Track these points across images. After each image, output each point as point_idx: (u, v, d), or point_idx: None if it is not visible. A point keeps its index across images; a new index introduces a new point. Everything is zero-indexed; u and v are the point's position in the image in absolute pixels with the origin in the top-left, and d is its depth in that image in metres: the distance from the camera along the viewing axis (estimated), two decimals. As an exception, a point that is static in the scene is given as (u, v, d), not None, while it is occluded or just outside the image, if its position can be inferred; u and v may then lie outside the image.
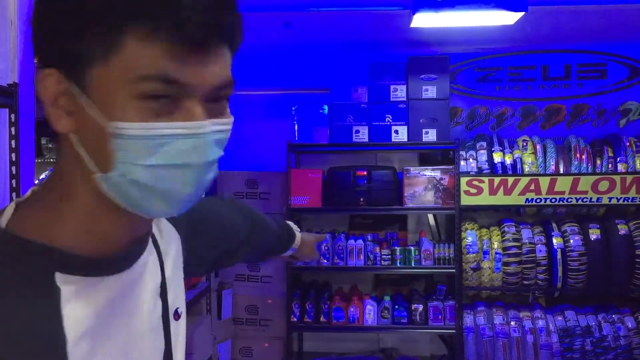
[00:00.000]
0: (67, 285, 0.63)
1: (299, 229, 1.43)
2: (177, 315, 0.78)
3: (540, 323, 4.10)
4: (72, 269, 0.64)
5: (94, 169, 0.62)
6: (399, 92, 4.18)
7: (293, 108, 4.24)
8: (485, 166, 4.14)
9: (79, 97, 0.60)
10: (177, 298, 0.80)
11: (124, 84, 0.58)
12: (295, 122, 4.23)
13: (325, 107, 4.20)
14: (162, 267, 0.78)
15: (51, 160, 4.45)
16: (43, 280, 0.62)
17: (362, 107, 4.19)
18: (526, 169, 4.11)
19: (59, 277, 0.63)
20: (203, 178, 0.63)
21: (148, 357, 0.73)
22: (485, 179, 4.05)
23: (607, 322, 4.09)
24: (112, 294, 0.67)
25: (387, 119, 4.16)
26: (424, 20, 3.12)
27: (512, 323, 4.12)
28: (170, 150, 0.60)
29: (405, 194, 4.12)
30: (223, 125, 0.64)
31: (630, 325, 4.04)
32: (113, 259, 0.68)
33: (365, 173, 4.11)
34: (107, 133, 0.59)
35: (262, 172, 4.41)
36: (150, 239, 0.77)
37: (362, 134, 4.18)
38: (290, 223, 1.43)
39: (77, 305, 0.63)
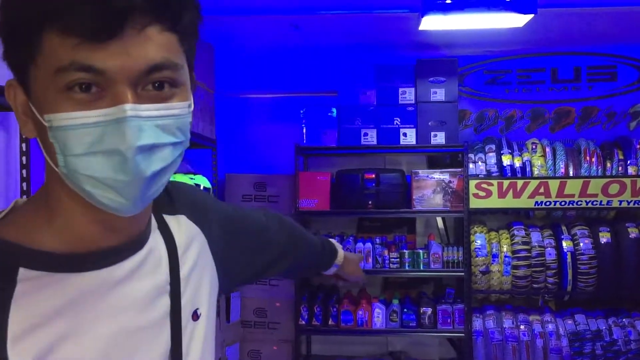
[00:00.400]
0: (27, 281, 0.64)
1: (342, 247, 1.40)
2: (195, 316, 0.79)
3: (550, 327, 4.08)
4: (38, 265, 0.65)
5: (53, 165, 0.65)
6: (407, 95, 4.18)
7: (301, 111, 4.25)
8: (494, 169, 4.12)
9: (29, 103, 0.64)
10: (197, 299, 0.80)
11: (50, 79, 0.60)
12: (303, 125, 4.24)
13: (334, 110, 4.20)
14: (174, 266, 0.78)
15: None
16: (6, 275, 0.64)
17: (370, 110, 4.19)
18: (535, 171, 4.09)
19: (22, 273, 0.64)
20: (141, 164, 0.61)
21: (141, 356, 0.72)
22: (494, 182, 4.04)
23: (617, 326, 4.06)
24: (84, 291, 0.67)
25: (395, 121, 4.16)
26: (432, 22, 3.11)
27: (522, 327, 4.10)
28: (95, 137, 0.60)
29: (414, 197, 4.11)
30: (160, 109, 0.63)
31: (641, 330, 4.01)
32: (86, 256, 0.68)
33: (373, 176, 4.10)
34: (45, 128, 0.62)
35: (271, 175, 4.42)
36: (159, 239, 0.77)
37: (370, 137, 4.18)
38: (333, 240, 1.41)
39: (33, 300, 0.64)
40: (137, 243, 0.74)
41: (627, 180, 3.96)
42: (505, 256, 4.08)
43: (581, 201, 3.99)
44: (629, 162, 4.06)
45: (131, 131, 0.60)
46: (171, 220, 0.81)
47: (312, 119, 4.22)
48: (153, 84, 0.63)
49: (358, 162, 4.44)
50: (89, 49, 0.59)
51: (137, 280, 0.73)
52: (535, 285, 4.11)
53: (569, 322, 4.12)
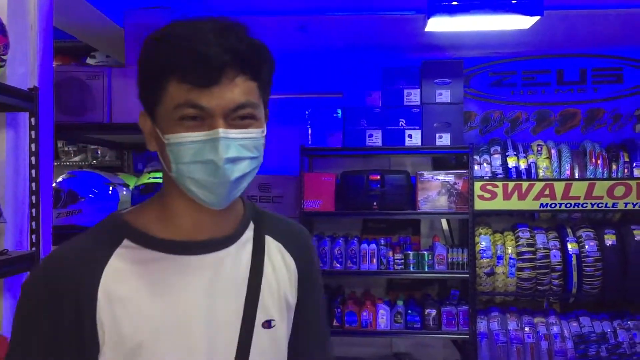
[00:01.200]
0: (127, 248, 0.92)
1: None
2: (267, 324, 0.97)
3: (555, 329, 4.07)
4: (140, 240, 0.93)
5: (168, 171, 0.91)
6: (412, 97, 4.18)
7: (307, 112, 4.26)
8: (500, 171, 4.12)
9: (154, 127, 0.92)
10: (273, 310, 0.98)
11: (170, 111, 0.88)
12: (308, 126, 4.24)
13: (339, 111, 4.21)
14: (258, 274, 0.98)
15: (67, 163, 4.50)
16: (114, 239, 0.92)
17: (375, 112, 4.19)
18: (541, 173, 4.08)
19: (125, 242, 0.92)
20: (228, 171, 0.87)
21: (199, 338, 0.91)
22: (499, 184, 4.04)
23: (622, 329, 4.05)
24: (166, 269, 0.92)
25: (400, 123, 4.16)
26: (438, 24, 3.12)
27: (527, 329, 4.10)
28: (197, 151, 0.87)
29: (419, 199, 4.12)
30: (242, 133, 0.88)
31: (646, 332, 4.00)
32: (181, 243, 0.93)
33: (378, 177, 4.11)
34: (164, 144, 0.89)
35: (276, 176, 4.43)
36: (248, 247, 1.00)
37: (375, 138, 4.18)
38: None
39: (129, 262, 0.91)
40: (223, 244, 0.96)
41: (633, 183, 3.96)
42: (510, 258, 4.07)
43: (586, 203, 3.98)
44: (634, 164, 4.05)
45: (222, 147, 0.86)
46: (271, 243, 1.04)
47: (318, 120, 4.22)
48: (239, 117, 0.88)
49: (363, 163, 4.45)
50: (197, 93, 0.86)
51: (214, 272, 0.94)
52: (540, 287, 4.11)
53: (574, 324, 4.11)
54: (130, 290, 0.89)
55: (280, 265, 1.03)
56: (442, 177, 4.11)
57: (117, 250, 0.91)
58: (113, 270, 0.90)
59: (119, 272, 0.90)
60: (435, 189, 4.10)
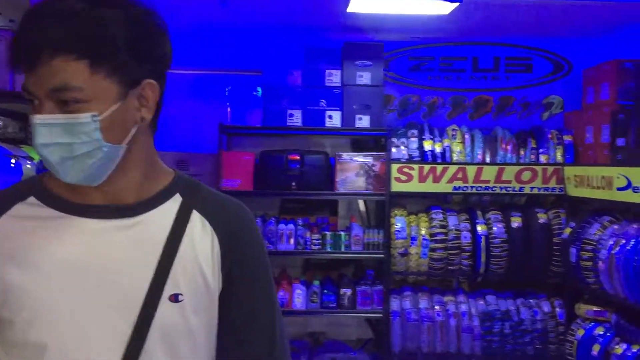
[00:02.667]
0: (27, 205, 0.95)
1: None
2: (174, 297, 0.93)
3: (463, 307, 4.24)
4: (43, 198, 0.95)
5: None
6: (333, 77, 4.18)
7: (227, 89, 4.16)
8: (416, 154, 4.21)
9: None
10: (183, 284, 0.94)
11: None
12: (228, 104, 4.15)
13: (259, 89, 4.14)
14: (173, 247, 0.94)
15: None
16: (17, 198, 0.96)
17: (296, 91, 4.16)
18: (455, 157, 4.21)
19: (30, 200, 0.95)
20: (48, 155, 0.88)
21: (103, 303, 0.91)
22: (416, 167, 4.13)
23: (525, 307, 4.28)
24: (59, 227, 0.93)
25: (321, 103, 4.16)
26: (360, 5, 3.12)
27: (437, 307, 4.24)
28: (34, 133, 0.88)
29: (337, 179, 4.14)
30: (60, 119, 0.87)
31: (546, 310, 4.24)
32: (77, 204, 0.95)
33: (298, 157, 4.09)
34: None
35: (193, 154, 4.31)
36: (164, 220, 0.97)
37: (296, 118, 4.16)
38: None
39: (14, 219, 0.94)
40: (120, 210, 0.95)
41: (539, 168, 4.16)
42: (424, 239, 4.19)
43: (496, 187, 4.15)
44: (540, 150, 4.26)
45: (36, 133, 0.87)
46: (197, 218, 0.99)
47: (237, 97, 4.14)
48: (62, 100, 0.87)
49: (283, 143, 4.41)
50: (27, 77, 0.88)
51: (115, 238, 0.93)
52: (450, 267, 4.26)
53: (481, 302, 4.30)
54: (15, 243, 0.92)
55: (202, 242, 0.98)
56: (361, 158, 4.15)
57: (18, 205, 0.95)
58: (4, 223, 0.93)
59: (9, 226, 0.93)
60: (354, 171, 4.14)
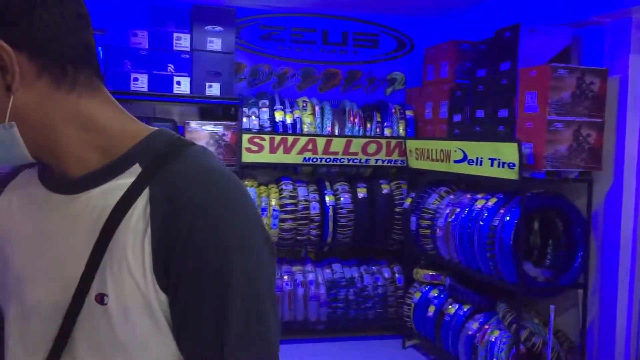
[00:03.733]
0: (32, 170, 0.87)
1: None
2: (99, 298, 0.75)
3: (311, 276, 4.34)
4: (42, 166, 0.85)
5: None
6: (182, 41, 3.97)
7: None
8: (267, 124, 4.17)
9: None
10: (110, 284, 0.74)
11: None
12: (63, 64, 3.77)
13: (100, 49, 3.81)
14: (107, 235, 0.75)
15: None
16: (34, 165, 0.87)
17: (141, 54, 3.90)
18: (305, 129, 4.24)
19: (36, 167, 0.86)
20: None
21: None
22: (267, 137, 4.09)
23: (368, 274, 4.48)
24: (33, 197, 0.83)
25: (169, 68, 3.94)
26: (215, -34, 2.97)
27: (285, 277, 4.29)
28: None
29: (186, 149, 3.97)
30: None
31: (386, 276, 4.48)
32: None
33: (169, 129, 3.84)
34: None
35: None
36: (109, 195, 0.77)
37: (141, 83, 3.90)
38: None
39: (20, 185, 0.87)
40: (64, 187, 0.80)
41: (383, 141, 4.34)
42: (274, 210, 4.19)
43: (344, 159, 4.26)
44: (385, 124, 4.44)
45: None
46: (142, 203, 0.75)
47: (74, 57, 3.77)
48: None
49: (126, 109, 4.10)
50: None
51: (61, 216, 0.79)
52: (299, 238, 4.32)
53: (327, 271, 4.42)
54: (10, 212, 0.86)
55: (135, 233, 0.75)
56: (211, 127, 4.02)
57: (25, 170, 0.89)
58: (13, 185, 0.88)
59: (14, 188, 0.88)
60: (204, 140, 4.00)
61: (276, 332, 0.77)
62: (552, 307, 3.14)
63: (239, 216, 0.75)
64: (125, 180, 0.77)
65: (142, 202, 0.75)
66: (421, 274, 4.12)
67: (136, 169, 0.77)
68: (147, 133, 0.81)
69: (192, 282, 0.73)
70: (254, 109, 4.18)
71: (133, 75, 3.87)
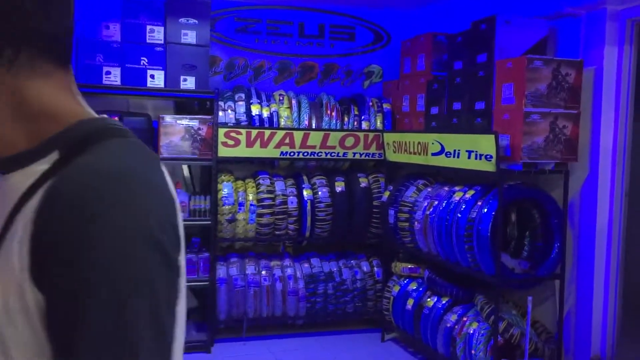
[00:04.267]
0: None
1: None
2: None
3: (289, 271, 4.30)
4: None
5: None
6: (156, 34, 3.90)
7: (30, 40, 3.67)
8: (243, 118, 4.13)
9: None
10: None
11: None
12: (33, 57, 3.67)
13: (71, 42, 3.72)
14: (4, 230, 0.69)
15: None
16: None
17: (114, 47, 3.82)
18: (282, 122, 4.20)
19: None
20: None
21: None
22: (243, 131, 4.05)
23: (346, 267, 4.47)
24: None
25: (142, 62, 3.86)
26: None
27: (263, 272, 4.25)
28: None
29: (161, 144, 3.91)
30: None
31: (365, 269, 4.47)
32: None
33: (116, 120, 3.76)
34: None
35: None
36: (20, 184, 0.72)
37: (113, 76, 3.82)
38: None
39: None
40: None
41: (361, 134, 4.32)
42: (251, 204, 4.15)
43: (321, 152, 4.23)
44: (363, 117, 4.42)
45: None
46: (39, 195, 0.69)
47: (44, 50, 3.68)
48: None
49: (99, 103, 4.03)
50: None
51: None
52: (277, 232, 4.28)
53: (306, 265, 4.40)
54: None
55: (23, 231, 0.68)
56: (186, 122, 3.96)
57: None
58: None
59: None
60: (179, 134, 3.94)
61: (151, 349, 0.65)
62: (529, 298, 3.16)
63: (119, 221, 0.66)
64: (41, 167, 0.71)
65: (40, 193, 0.68)
66: (400, 267, 4.12)
67: (54, 156, 0.71)
68: (75, 119, 0.75)
69: (56, 290, 0.66)
70: (230, 103, 4.13)
71: (105, 69, 3.79)
